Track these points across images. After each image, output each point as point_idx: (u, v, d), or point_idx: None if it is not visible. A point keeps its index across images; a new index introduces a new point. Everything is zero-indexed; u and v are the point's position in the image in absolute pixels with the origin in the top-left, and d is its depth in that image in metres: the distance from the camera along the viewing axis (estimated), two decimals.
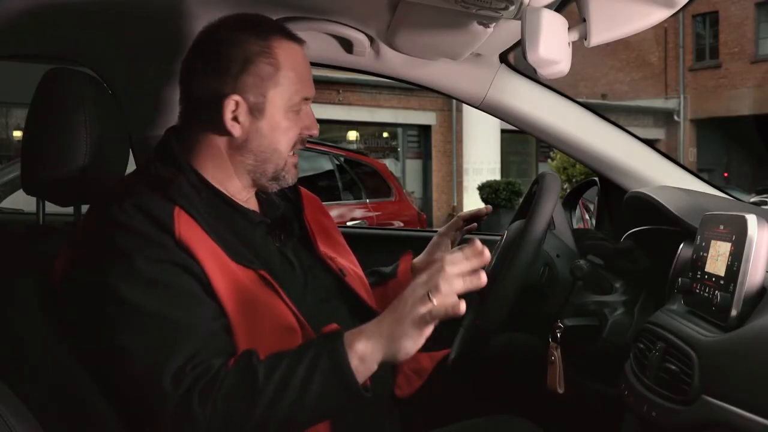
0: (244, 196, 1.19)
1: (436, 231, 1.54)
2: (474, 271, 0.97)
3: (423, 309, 0.95)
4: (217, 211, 1.11)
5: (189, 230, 1.03)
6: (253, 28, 1.14)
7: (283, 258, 1.18)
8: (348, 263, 1.31)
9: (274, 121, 1.13)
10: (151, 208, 1.02)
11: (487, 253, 0.98)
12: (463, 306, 0.96)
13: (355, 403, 0.98)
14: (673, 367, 0.95)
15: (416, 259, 1.46)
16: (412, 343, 0.96)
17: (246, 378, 0.95)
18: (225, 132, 1.12)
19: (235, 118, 1.12)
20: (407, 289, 0.99)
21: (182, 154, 1.14)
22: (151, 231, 1.00)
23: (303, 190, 1.34)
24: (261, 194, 1.24)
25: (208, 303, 1.01)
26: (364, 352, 0.97)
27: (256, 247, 1.13)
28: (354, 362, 0.96)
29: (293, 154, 1.19)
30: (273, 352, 0.99)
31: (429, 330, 0.97)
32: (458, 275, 0.96)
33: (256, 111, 1.12)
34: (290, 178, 1.20)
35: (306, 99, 1.16)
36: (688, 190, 1.50)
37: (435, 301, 0.94)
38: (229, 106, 1.11)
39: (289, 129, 1.15)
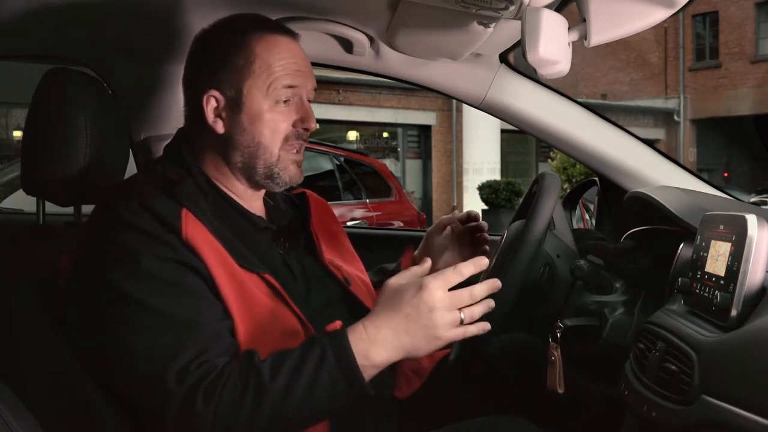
0: (249, 198, 1.18)
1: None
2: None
3: (453, 331, 0.99)
4: (224, 214, 1.11)
5: (195, 231, 1.03)
6: (232, 25, 1.15)
7: (285, 266, 1.18)
8: (354, 270, 1.31)
9: (254, 114, 1.11)
10: (158, 208, 1.02)
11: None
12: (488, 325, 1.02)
13: (358, 401, 0.98)
14: (673, 367, 0.95)
15: (416, 253, 1.46)
16: (427, 353, 1.01)
17: (250, 376, 0.95)
18: (211, 130, 1.13)
19: (219, 115, 1.12)
20: (424, 297, 0.98)
21: (191, 156, 1.14)
22: (157, 230, 1.01)
23: (311, 194, 1.34)
24: (268, 200, 1.24)
25: (213, 303, 1.02)
26: (381, 363, 0.99)
27: (261, 252, 1.13)
28: (369, 371, 0.98)
29: (296, 151, 1.16)
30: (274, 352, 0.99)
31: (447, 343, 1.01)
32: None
33: (234, 105, 1.12)
34: (287, 177, 1.15)
35: (290, 87, 1.12)
36: (688, 190, 1.50)
37: (466, 320, 1.00)
38: (210, 102, 1.12)
39: (273, 121, 1.12)
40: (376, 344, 0.98)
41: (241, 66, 1.11)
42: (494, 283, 1.02)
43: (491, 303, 1.02)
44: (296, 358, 0.96)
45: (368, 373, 0.98)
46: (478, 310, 1.01)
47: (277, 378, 0.94)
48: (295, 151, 1.16)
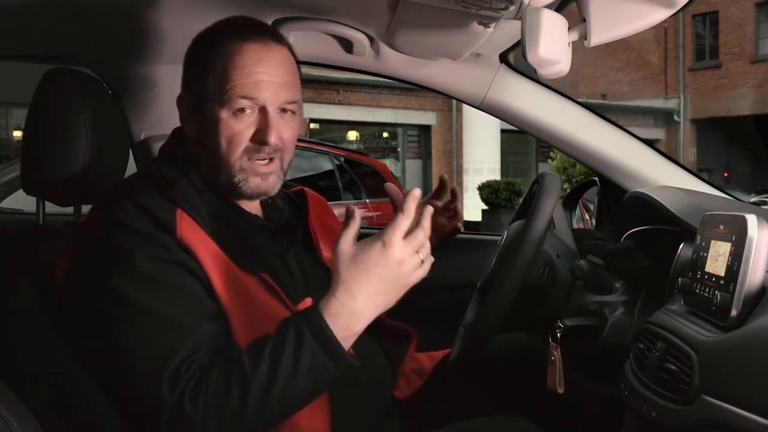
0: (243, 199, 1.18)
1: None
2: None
3: (419, 271, 1.01)
4: (219, 214, 1.11)
5: (190, 232, 1.03)
6: (211, 30, 1.15)
7: (283, 264, 1.18)
8: None
9: (212, 120, 1.09)
10: (153, 208, 1.02)
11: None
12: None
13: (345, 373, 0.99)
14: (673, 367, 0.95)
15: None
16: (397, 299, 1.02)
17: (232, 370, 0.95)
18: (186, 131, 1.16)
19: (189, 119, 1.14)
20: (387, 250, 0.98)
21: (186, 156, 1.14)
22: (152, 231, 1.01)
23: (309, 191, 1.34)
24: (266, 199, 1.24)
25: (208, 304, 1.02)
26: (362, 329, 1.00)
27: (258, 251, 1.13)
28: (351, 340, 0.99)
29: (266, 162, 1.11)
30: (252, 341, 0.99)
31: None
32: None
33: (196, 109, 1.12)
34: (248, 189, 1.11)
35: (247, 98, 1.08)
36: (688, 190, 1.50)
37: (423, 257, 1.01)
38: (182, 105, 1.15)
39: (229, 130, 1.08)
40: (356, 314, 0.98)
41: (205, 71, 1.11)
42: (414, 193, 1.01)
43: (416, 194, 1.02)
44: (274, 343, 0.96)
45: (349, 342, 0.99)
46: (427, 242, 1.02)
47: (258, 367, 0.94)
48: (261, 162, 1.11)
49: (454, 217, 1.45)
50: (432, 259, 1.03)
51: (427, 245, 1.02)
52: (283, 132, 1.12)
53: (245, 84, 1.08)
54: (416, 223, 1.00)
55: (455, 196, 1.45)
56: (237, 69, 1.08)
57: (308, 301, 1.02)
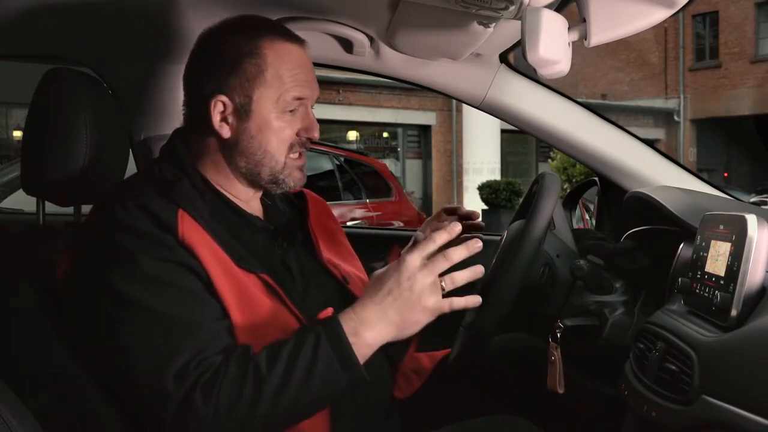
0: (247, 198, 1.18)
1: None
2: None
3: (434, 297, 1.00)
4: (220, 215, 1.11)
5: (192, 232, 1.03)
6: (243, 29, 1.14)
7: (284, 266, 1.18)
8: (353, 269, 1.31)
9: (263, 122, 1.11)
10: (154, 209, 1.02)
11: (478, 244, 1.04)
12: (479, 299, 1.03)
13: (356, 386, 0.99)
14: (673, 367, 0.95)
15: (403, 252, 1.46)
16: (419, 327, 1.02)
17: (248, 369, 0.95)
18: (215, 133, 1.12)
19: (225, 119, 1.12)
20: (402, 269, 1.00)
21: (187, 156, 1.14)
22: (154, 231, 1.01)
23: (309, 193, 1.34)
24: (266, 200, 1.24)
25: (210, 303, 1.02)
26: (372, 340, 1.00)
27: (259, 251, 1.13)
28: (360, 350, 0.99)
29: (299, 156, 1.16)
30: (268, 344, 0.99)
31: (437, 315, 1.02)
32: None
33: (242, 112, 1.11)
34: (292, 182, 1.17)
35: (299, 99, 1.13)
36: (688, 190, 1.50)
37: (447, 288, 1.01)
38: (217, 107, 1.11)
39: (281, 130, 1.13)
40: (365, 322, 1.00)
41: (253, 74, 1.10)
42: (475, 244, 1.03)
43: (478, 270, 1.03)
44: (291, 346, 0.97)
45: (361, 353, 0.99)
46: (461, 276, 1.02)
47: (274, 367, 0.95)
48: (298, 156, 1.17)
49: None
50: (464, 302, 1.03)
51: (457, 279, 1.01)
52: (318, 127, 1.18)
53: (298, 86, 1.13)
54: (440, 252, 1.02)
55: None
56: (288, 72, 1.12)
57: (329, 311, 1.03)
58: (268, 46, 1.11)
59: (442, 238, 1.02)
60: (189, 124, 1.17)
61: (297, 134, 1.15)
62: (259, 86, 1.11)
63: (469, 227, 1.42)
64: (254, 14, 1.18)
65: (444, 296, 1.01)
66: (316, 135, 1.16)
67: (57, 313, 1.05)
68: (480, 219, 1.47)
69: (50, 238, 1.23)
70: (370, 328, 0.99)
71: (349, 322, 1.00)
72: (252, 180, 1.15)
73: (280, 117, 1.12)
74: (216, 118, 1.11)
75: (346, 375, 0.97)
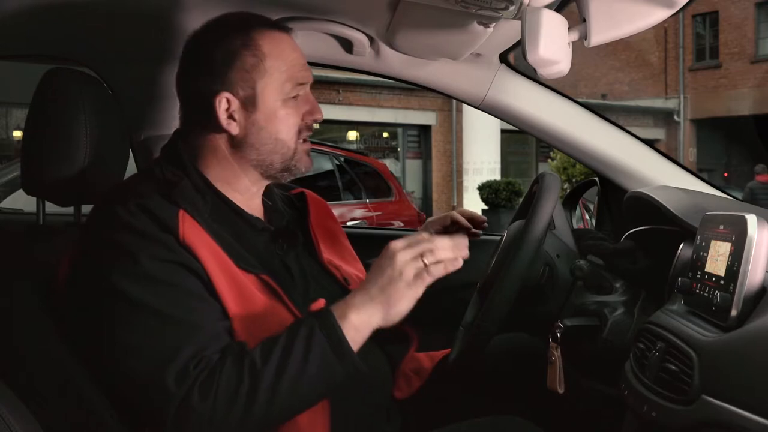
0: (248, 198, 1.18)
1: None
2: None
3: (415, 270, 1.00)
4: (221, 215, 1.12)
5: (192, 232, 1.03)
6: (233, 24, 1.14)
7: (284, 267, 1.18)
8: (354, 270, 1.31)
9: (270, 112, 1.13)
10: (155, 209, 1.02)
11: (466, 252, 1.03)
12: (460, 261, 1.02)
13: (352, 376, 0.99)
14: (673, 367, 0.95)
15: None
16: (407, 304, 1.01)
17: (244, 364, 0.95)
18: (222, 131, 1.12)
19: (231, 116, 1.12)
20: (384, 257, 1.02)
21: (188, 157, 1.14)
22: (155, 231, 1.01)
23: (310, 194, 1.34)
24: (267, 201, 1.24)
25: (211, 304, 1.02)
26: (359, 323, 1.00)
27: (259, 252, 1.13)
28: (350, 333, 0.99)
29: (303, 141, 1.18)
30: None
31: (422, 289, 1.01)
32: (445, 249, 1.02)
33: (249, 105, 1.12)
34: (303, 166, 1.19)
35: (300, 84, 1.15)
36: (688, 190, 1.50)
37: (427, 260, 1.00)
38: (222, 104, 1.11)
39: (288, 117, 1.14)
40: (352, 306, 1.00)
41: (252, 65, 1.11)
42: (463, 244, 1.03)
43: (461, 243, 1.03)
44: (285, 338, 0.97)
45: (352, 338, 0.99)
46: (442, 248, 1.01)
47: (269, 361, 0.95)
48: (304, 141, 1.18)
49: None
50: (443, 268, 1.01)
51: (438, 254, 1.01)
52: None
53: (298, 73, 1.15)
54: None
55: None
56: (286, 59, 1.13)
57: (321, 302, 1.04)
58: (260, 36, 1.12)
59: (444, 242, 1.02)
60: (189, 125, 1.17)
61: (302, 119, 1.16)
62: (261, 77, 1.11)
63: (471, 235, 1.45)
64: (242, 11, 1.18)
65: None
66: (320, 117, 1.18)
67: (57, 313, 1.05)
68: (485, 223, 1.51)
69: (50, 238, 1.23)
70: (356, 311, 1.00)
71: (337, 309, 1.00)
72: (264, 171, 1.17)
73: (285, 104, 1.14)
74: (223, 116, 1.11)
75: (340, 363, 0.97)
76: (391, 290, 1.00)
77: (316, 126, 1.21)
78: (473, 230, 1.53)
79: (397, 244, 1.02)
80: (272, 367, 0.95)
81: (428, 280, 1.00)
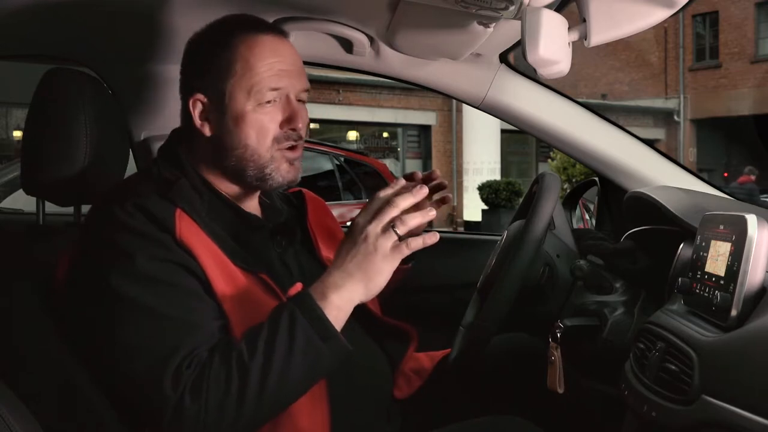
0: (245, 197, 1.18)
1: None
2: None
3: (390, 242, 0.98)
4: (219, 214, 1.11)
5: (190, 232, 1.03)
6: (219, 25, 1.15)
7: (282, 264, 1.18)
8: None
9: (238, 115, 1.10)
10: (152, 208, 1.02)
11: (424, 189, 1.01)
12: (432, 214, 1.01)
13: (339, 357, 0.99)
14: (673, 367, 0.95)
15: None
16: (386, 276, 1.00)
17: (231, 360, 0.95)
18: (199, 132, 1.13)
19: (206, 118, 1.13)
20: (354, 230, 1.01)
21: (185, 156, 1.14)
22: (152, 231, 1.01)
23: (308, 193, 1.34)
24: (264, 199, 1.24)
25: (208, 303, 1.02)
26: (341, 302, 0.99)
27: (257, 251, 1.13)
28: (332, 314, 0.98)
29: (290, 149, 1.13)
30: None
31: (399, 260, 1.00)
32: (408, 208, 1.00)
33: (219, 106, 1.11)
34: (279, 177, 1.13)
35: (275, 89, 1.11)
36: (688, 190, 1.50)
37: (399, 231, 0.99)
38: (196, 106, 1.12)
39: (258, 122, 1.10)
40: (330, 285, 1.00)
41: (224, 68, 1.10)
42: (420, 190, 1.01)
43: (430, 214, 1.01)
44: (268, 327, 0.97)
45: (332, 316, 0.98)
46: (412, 219, 1.00)
47: (255, 352, 0.95)
48: (288, 148, 1.14)
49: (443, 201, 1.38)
50: (420, 241, 0.99)
51: (409, 222, 0.99)
52: (304, 119, 1.15)
53: (271, 76, 1.10)
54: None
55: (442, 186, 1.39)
56: (259, 62, 1.10)
57: (299, 286, 1.03)
58: (239, 39, 1.11)
59: (406, 201, 1.00)
60: (183, 125, 1.18)
61: (280, 126, 1.12)
62: (230, 79, 1.10)
63: (434, 188, 1.36)
64: (236, 14, 1.18)
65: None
66: (299, 125, 1.13)
67: (57, 313, 1.05)
68: (440, 180, 1.38)
69: (50, 238, 1.23)
70: (336, 290, 0.99)
71: (316, 291, 1.00)
72: (240, 178, 1.14)
73: (256, 109, 1.11)
74: (197, 118, 1.12)
75: (325, 345, 0.97)
76: (368, 265, 0.99)
77: (315, 126, 1.19)
78: (439, 182, 1.38)
79: (361, 218, 1.01)
80: (259, 357, 0.94)
81: (406, 252, 0.99)
